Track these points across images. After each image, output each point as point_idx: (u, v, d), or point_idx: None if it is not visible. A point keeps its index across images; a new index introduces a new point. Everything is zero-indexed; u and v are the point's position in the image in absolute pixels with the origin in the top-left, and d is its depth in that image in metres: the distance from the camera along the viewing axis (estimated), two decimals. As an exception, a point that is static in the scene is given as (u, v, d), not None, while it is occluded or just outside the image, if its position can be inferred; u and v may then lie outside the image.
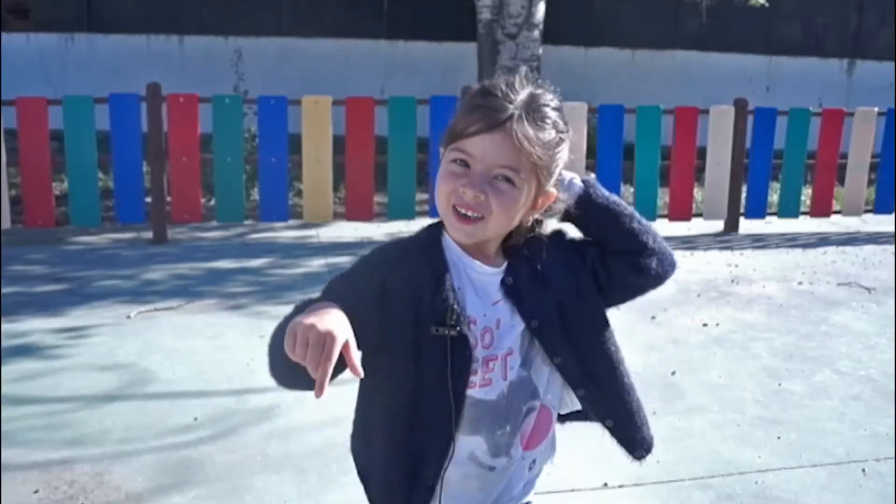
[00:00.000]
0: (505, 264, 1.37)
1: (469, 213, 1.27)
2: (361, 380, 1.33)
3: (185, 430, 3.12)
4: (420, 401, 1.29)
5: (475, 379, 1.30)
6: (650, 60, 10.98)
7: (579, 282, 1.40)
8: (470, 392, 1.30)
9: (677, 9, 10.69)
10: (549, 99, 1.29)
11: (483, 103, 1.26)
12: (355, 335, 1.18)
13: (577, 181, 1.40)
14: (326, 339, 1.08)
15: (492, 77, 1.34)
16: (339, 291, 1.26)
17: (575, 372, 1.36)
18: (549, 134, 1.27)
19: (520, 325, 1.33)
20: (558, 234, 1.44)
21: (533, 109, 1.26)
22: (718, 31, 10.85)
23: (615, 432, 1.42)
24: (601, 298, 1.42)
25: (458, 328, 1.27)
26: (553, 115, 1.28)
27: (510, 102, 1.25)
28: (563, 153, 1.32)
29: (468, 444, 1.32)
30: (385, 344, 1.29)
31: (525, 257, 1.38)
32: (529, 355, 1.35)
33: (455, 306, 1.27)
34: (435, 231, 1.36)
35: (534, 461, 1.40)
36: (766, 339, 4.30)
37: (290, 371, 1.13)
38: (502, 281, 1.35)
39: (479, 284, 1.33)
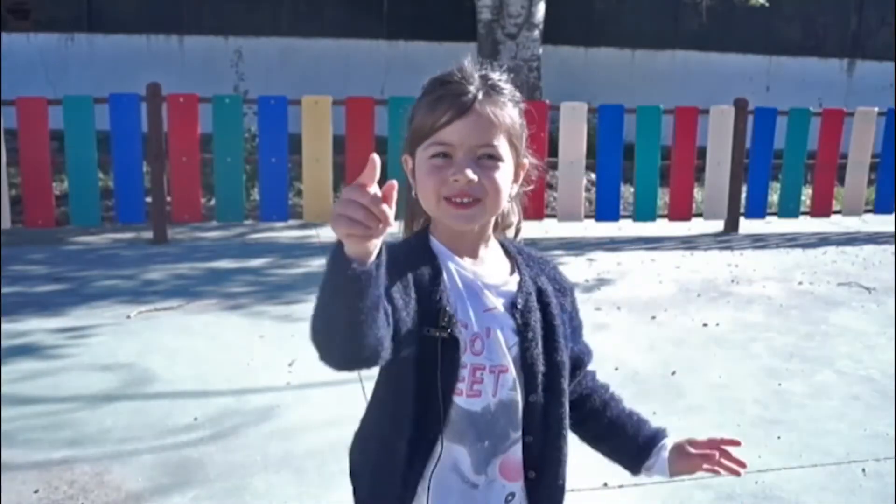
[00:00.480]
0: (512, 281, 1.36)
1: (465, 199, 1.27)
2: (375, 388, 1.35)
3: (185, 430, 3.12)
4: (408, 401, 1.28)
5: (462, 386, 1.29)
6: (650, 60, 10.98)
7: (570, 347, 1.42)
8: (457, 399, 1.29)
9: (677, 9, 10.69)
10: (500, 74, 1.33)
11: (445, 92, 1.28)
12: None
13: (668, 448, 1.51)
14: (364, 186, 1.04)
15: None
16: None
17: (537, 415, 1.35)
18: (513, 105, 1.32)
19: (513, 343, 1.32)
20: (571, 299, 1.44)
21: (491, 86, 1.30)
22: (718, 31, 10.84)
23: (533, 484, 1.37)
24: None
25: (448, 330, 1.26)
26: (509, 87, 1.33)
27: (470, 84, 1.28)
28: (524, 121, 1.36)
29: (452, 453, 1.31)
30: (395, 350, 1.28)
31: (535, 279, 1.38)
32: (520, 380, 1.33)
33: (447, 308, 1.27)
34: (422, 237, 1.36)
35: (512, 494, 1.36)
36: (766, 339, 4.30)
37: (337, 328, 1.09)
38: (513, 301, 1.33)
39: (470, 289, 1.32)
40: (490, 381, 1.30)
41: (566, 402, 1.39)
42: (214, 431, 3.11)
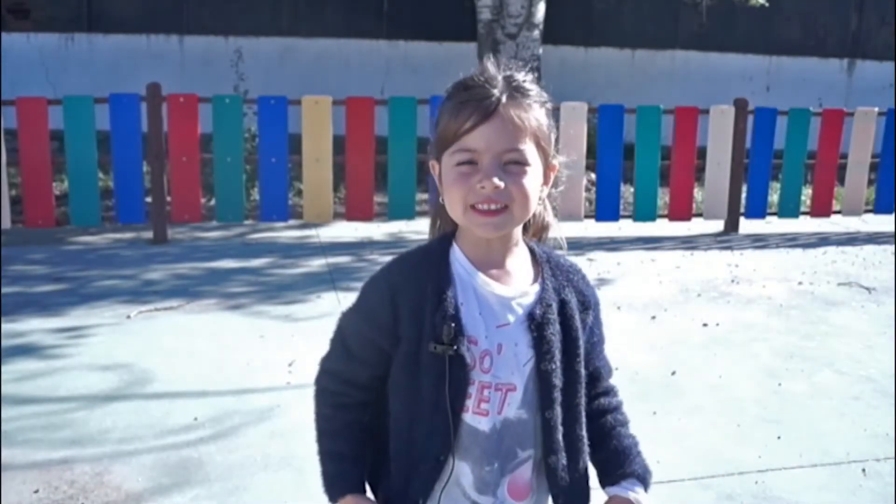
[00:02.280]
0: (532, 291, 1.32)
1: (492, 206, 1.24)
2: (387, 400, 1.33)
3: (185, 430, 3.12)
4: (417, 416, 1.27)
5: (469, 403, 1.27)
6: (650, 60, 10.98)
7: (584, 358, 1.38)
8: (463, 415, 1.27)
9: (677, 9, 10.69)
10: (524, 76, 1.30)
11: (468, 97, 1.25)
12: (380, 362, 1.30)
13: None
14: None
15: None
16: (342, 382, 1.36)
17: (556, 432, 1.32)
18: (539, 106, 1.29)
19: (528, 359, 1.29)
20: (594, 310, 1.40)
21: (515, 88, 1.27)
22: (718, 31, 10.84)
23: None
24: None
25: (455, 347, 1.24)
26: (534, 87, 1.30)
27: (494, 87, 1.25)
28: (552, 121, 1.33)
29: (455, 469, 1.29)
30: (396, 357, 1.28)
31: (559, 290, 1.34)
32: (534, 397, 1.30)
33: (453, 325, 1.24)
34: (445, 243, 1.33)
35: None
36: (766, 339, 4.30)
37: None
38: (530, 313, 1.30)
39: (485, 303, 1.28)
40: (496, 398, 1.28)
41: (583, 419, 1.36)
42: (214, 431, 3.11)
